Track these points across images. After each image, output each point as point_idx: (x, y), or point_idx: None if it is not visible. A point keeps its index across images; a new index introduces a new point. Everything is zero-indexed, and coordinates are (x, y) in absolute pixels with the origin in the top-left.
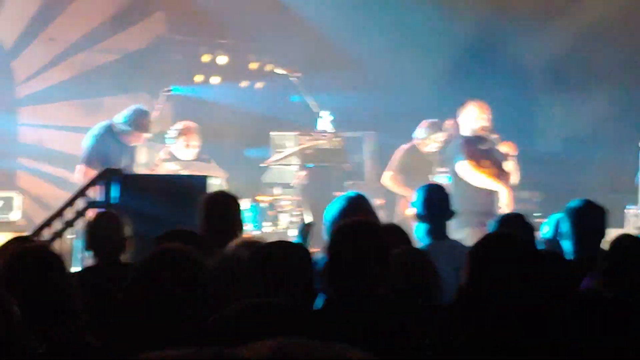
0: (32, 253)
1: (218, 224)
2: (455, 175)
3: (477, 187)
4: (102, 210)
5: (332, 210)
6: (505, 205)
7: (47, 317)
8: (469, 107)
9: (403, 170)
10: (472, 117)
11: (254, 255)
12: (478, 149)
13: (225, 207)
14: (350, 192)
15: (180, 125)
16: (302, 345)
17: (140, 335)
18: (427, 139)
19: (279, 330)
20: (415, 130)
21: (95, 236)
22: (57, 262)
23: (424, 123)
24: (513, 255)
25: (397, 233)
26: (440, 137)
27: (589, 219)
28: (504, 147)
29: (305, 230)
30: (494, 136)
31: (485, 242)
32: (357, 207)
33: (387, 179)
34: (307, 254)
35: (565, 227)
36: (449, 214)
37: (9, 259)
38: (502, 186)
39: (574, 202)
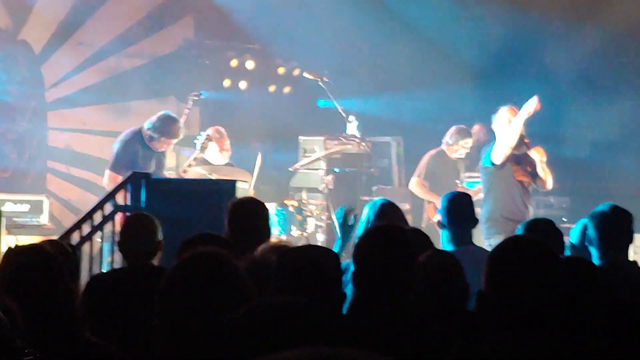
0: (25, 254)
1: (245, 229)
2: (488, 182)
3: (512, 195)
4: (137, 212)
5: (362, 217)
6: (539, 159)
7: (43, 316)
8: (501, 111)
9: (430, 176)
10: (505, 122)
11: (281, 259)
12: (511, 154)
13: (251, 212)
14: (380, 199)
15: (211, 130)
16: (336, 353)
17: (172, 339)
18: (455, 144)
19: (298, 332)
20: (444, 136)
21: (129, 238)
22: (50, 262)
23: (453, 129)
24: (530, 259)
25: (420, 237)
26: (469, 143)
27: (615, 223)
28: (534, 152)
29: (346, 215)
30: (525, 141)
31: (503, 246)
32: (387, 213)
33: (414, 184)
34: (335, 257)
35: (591, 232)
36: (473, 221)
37: (4, 259)
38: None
39: (600, 207)
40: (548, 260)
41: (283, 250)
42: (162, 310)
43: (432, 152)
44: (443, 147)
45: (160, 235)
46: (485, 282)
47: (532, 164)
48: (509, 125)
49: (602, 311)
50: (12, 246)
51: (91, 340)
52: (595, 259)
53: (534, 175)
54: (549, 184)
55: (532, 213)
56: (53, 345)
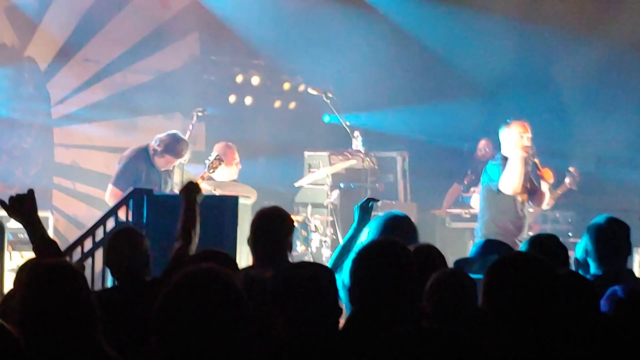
0: (49, 269)
1: (265, 240)
2: (488, 199)
3: (508, 213)
4: (121, 227)
5: (371, 228)
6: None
7: (65, 329)
8: (513, 126)
9: None
10: (516, 137)
11: (275, 276)
12: None
13: (272, 224)
14: (393, 212)
15: (221, 146)
16: None
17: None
18: None
19: None
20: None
21: (113, 254)
22: (72, 277)
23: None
24: (531, 278)
25: (432, 254)
26: None
27: (611, 235)
28: (544, 175)
29: (367, 201)
30: (535, 160)
31: (499, 263)
32: (396, 226)
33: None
34: (330, 274)
35: (588, 244)
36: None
37: (27, 275)
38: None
39: (596, 219)
40: (544, 276)
41: (278, 269)
42: (159, 327)
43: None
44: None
45: (146, 249)
46: (482, 298)
47: (532, 180)
48: (518, 142)
49: (592, 327)
50: (29, 261)
51: (110, 353)
52: (593, 271)
53: (532, 192)
54: (545, 205)
55: (526, 226)
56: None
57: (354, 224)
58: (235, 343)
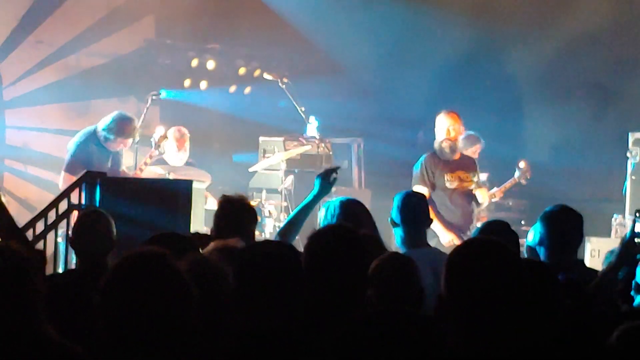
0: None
1: (229, 228)
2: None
3: (454, 205)
4: (90, 209)
5: (325, 213)
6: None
7: (7, 316)
8: (439, 117)
9: None
10: (440, 129)
11: (239, 258)
12: (440, 164)
13: (236, 211)
14: (345, 197)
15: (173, 129)
16: None
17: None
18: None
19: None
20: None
21: (82, 235)
22: (21, 263)
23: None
24: (494, 262)
25: (373, 243)
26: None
27: (564, 224)
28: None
29: (328, 171)
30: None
31: (460, 249)
32: (355, 212)
33: None
34: (293, 252)
35: (542, 231)
36: (427, 221)
37: None
38: (444, 231)
39: (550, 207)
40: (506, 260)
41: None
42: (103, 313)
43: None
44: None
45: (114, 233)
46: (444, 285)
47: (468, 168)
48: (441, 133)
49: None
50: None
51: (57, 340)
52: (543, 259)
53: (465, 182)
54: (483, 198)
55: (473, 215)
56: (15, 346)
57: (313, 193)
58: (176, 326)
